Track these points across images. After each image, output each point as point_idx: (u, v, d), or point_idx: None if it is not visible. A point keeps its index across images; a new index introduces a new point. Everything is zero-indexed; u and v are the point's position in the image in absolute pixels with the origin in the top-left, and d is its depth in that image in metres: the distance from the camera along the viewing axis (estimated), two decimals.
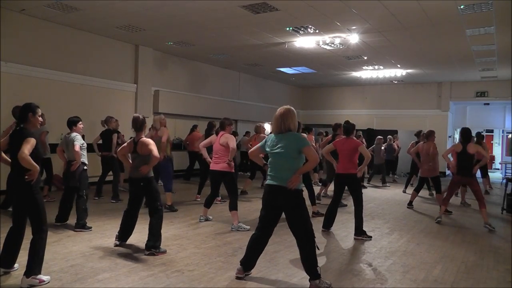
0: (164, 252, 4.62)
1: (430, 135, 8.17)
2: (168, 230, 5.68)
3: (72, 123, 5.73)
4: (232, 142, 5.89)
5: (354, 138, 5.98)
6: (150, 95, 11.48)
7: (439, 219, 6.88)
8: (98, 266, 4.11)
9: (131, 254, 4.54)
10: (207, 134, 8.38)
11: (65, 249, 4.63)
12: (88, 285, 3.62)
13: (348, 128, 5.94)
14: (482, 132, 18.07)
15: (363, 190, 10.58)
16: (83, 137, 5.68)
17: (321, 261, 4.60)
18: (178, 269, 4.10)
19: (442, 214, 6.98)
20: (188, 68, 12.83)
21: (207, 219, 6.36)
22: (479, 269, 4.49)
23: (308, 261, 3.67)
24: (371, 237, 5.66)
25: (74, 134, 5.65)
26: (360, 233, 5.64)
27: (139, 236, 5.06)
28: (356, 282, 3.94)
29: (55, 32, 9.01)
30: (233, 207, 5.86)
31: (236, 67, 14.11)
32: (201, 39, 10.10)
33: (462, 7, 7.12)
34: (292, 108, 3.83)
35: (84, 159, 5.67)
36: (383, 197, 9.73)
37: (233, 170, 6.03)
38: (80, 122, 5.79)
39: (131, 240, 5.01)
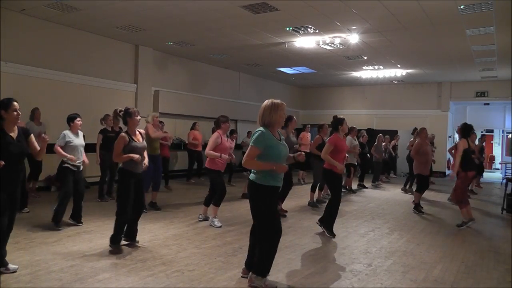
0: (118, 250, 4.57)
1: (419, 132, 8.25)
2: (168, 230, 5.68)
3: (68, 120, 5.71)
4: (209, 144, 5.96)
5: (337, 134, 5.83)
6: (150, 95, 11.47)
7: (467, 223, 6.51)
8: (98, 266, 4.11)
9: (131, 254, 4.54)
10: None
11: (65, 249, 4.63)
12: (88, 285, 3.62)
13: (332, 124, 5.95)
14: (482, 132, 18.16)
15: (364, 190, 10.70)
16: (83, 137, 5.69)
17: (321, 260, 4.61)
18: (178, 269, 4.10)
19: (468, 220, 6.58)
20: (188, 68, 12.83)
21: (205, 219, 6.35)
22: (479, 269, 4.49)
23: (258, 255, 3.64)
24: (334, 235, 5.64)
25: (63, 132, 5.62)
26: (325, 226, 5.74)
27: (138, 236, 5.05)
28: (356, 282, 3.94)
29: (55, 32, 9.00)
30: (214, 202, 6.06)
31: (236, 67, 14.11)
32: (201, 39, 10.10)
33: (462, 7, 7.12)
34: (277, 101, 3.68)
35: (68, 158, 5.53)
36: (383, 197, 9.73)
37: (216, 168, 6.03)
38: (78, 119, 5.72)
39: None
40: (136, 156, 4.64)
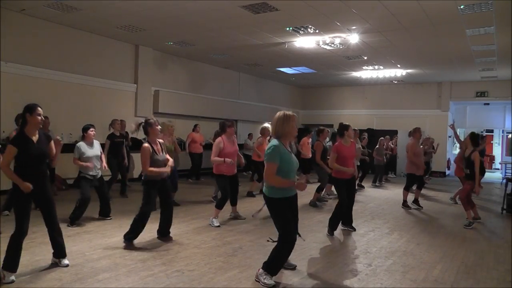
0: (129, 246, 4.78)
1: (413, 132, 8.23)
2: None
3: (82, 130, 5.95)
4: (212, 151, 6.03)
5: (340, 140, 5.86)
6: (150, 95, 11.47)
7: (472, 224, 6.57)
8: (98, 266, 4.12)
9: (131, 254, 4.54)
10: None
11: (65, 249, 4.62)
12: (88, 285, 3.62)
13: (338, 130, 6.06)
14: (482, 132, 18.15)
15: (362, 190, 10.69)
16: (83, 137, 5.82)
17: (321, 260, 4.61)
18: (178, 269, 4.10)
19: (473, 220, 6.67)
20: (188, 68, 12.82)
21: (235, 217, 6.56)
22: (479, 269, 4.49)
23: (271, 254, 3.78)
24: (332, 235, 5.76)
25: (77, 144, 5.89)
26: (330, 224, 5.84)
27: (139, 236, 5.05)
28: (356, 282, 3.94)
29: (55, 32, 9.00)
30: (216, 204, 6.18)
31: (236, 67, 14.11)
32: (201, 39, 10.09)
33: (462, 7, 7.12)
34: (288, 113, 3.75)
35: (83, 168, 5.83)
36: (383, 197, 9.72)
37: (220, 172, 6.08)
38: (91, 129, 5.93)
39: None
40: (165, 170, 4.92)
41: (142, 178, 5.04)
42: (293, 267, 4.22)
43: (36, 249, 4.57)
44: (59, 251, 4.08)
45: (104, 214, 6.25)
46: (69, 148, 6.80)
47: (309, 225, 6.31)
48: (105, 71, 10.23)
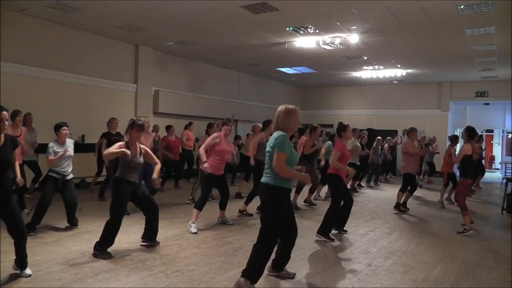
0: (105, 255, 4.38)
1: (409, 131, 7.97)
2: (168, 230, 5.68)
3: (55, 128, 5.43)
4: (205, 142, 5.86)
5: (341, 139, 5.81)
6: (150, 95, 11.47)
7: (468, 231, 6.11)
8: (98, 266, 4.11)
9: (131, 254, 4.54)
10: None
11: (65, 249, 4.63)
12: (88, 285, 3.62)
13: (337, 130, 6.04)
14: (482, 132, 18.15)
15: (361, 190, 10.69)
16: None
17: (321, 260, 4.62)
18: (178, 269, 4.10)
19: (469, 228, 6.14)
20: (188, 68, 12.83)
21: (223, 222, 6.15)
22: (479, 269, 4.49)
23: (253, 259, 3.53)
24: (333, 240, 5.45)
25: (49, 145, 5.34)
26: (322, 232, 5.48)
27: (138, 236, 5.05)
28: (356, 282, 3.94)
29: (55, 32, 9.00)
30: (196, 205, 5.73)
31: (236, 67, 14.11)
32: (201, 39, 10.10)
33: (462, 7, 7.12)
34: (291, 107, 3.68)
35: (53, 167, 5.36)
36: (383, 197, 9.72)
37: (206, 170, 5.63)
38: (64, 128, 5.38)
39: (131, 240, 5.02)
40: (128, 151, 4.40)
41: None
42: (292, 276, 3.98)
43: (36, 249, 4.57)
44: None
45: (72, 222, 5.58)
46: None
47: (308, 225, 6.31)
48: (105, 71, 10.23)
